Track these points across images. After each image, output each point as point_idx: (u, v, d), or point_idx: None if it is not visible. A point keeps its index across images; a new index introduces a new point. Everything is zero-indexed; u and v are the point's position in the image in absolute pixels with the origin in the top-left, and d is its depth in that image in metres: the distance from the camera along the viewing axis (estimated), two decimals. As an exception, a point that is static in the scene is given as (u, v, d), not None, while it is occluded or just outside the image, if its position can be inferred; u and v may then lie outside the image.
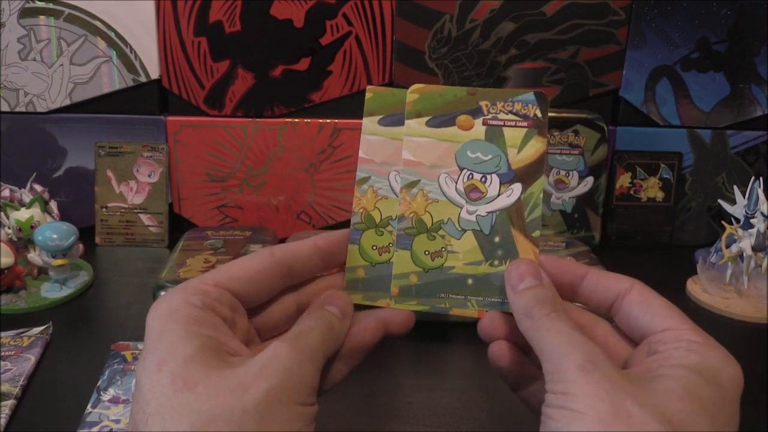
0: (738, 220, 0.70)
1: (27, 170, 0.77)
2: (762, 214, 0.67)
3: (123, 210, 0.79)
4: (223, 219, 0.82)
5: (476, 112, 0.37)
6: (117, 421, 0.47)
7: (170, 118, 0.78)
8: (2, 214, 0.68)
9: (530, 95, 0.37)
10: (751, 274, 0.69)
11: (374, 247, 0.37)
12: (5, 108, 0.77)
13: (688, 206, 0.84)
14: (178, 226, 0.81)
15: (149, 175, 0.79)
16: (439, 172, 0.36)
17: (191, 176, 0.80)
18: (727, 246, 0.70)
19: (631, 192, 0.82)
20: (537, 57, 0.77)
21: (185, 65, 0.76)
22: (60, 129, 0.78)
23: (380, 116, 0.37)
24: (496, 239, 0.36)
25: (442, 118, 0.37)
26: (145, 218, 0.79)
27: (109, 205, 0.79)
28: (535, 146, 0.36)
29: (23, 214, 0.68)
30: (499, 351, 0.35)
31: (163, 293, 0.61)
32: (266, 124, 0.78)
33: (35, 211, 0.69)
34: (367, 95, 0.37)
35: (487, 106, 0.37)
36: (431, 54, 0.76)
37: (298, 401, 0.29)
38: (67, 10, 0.74)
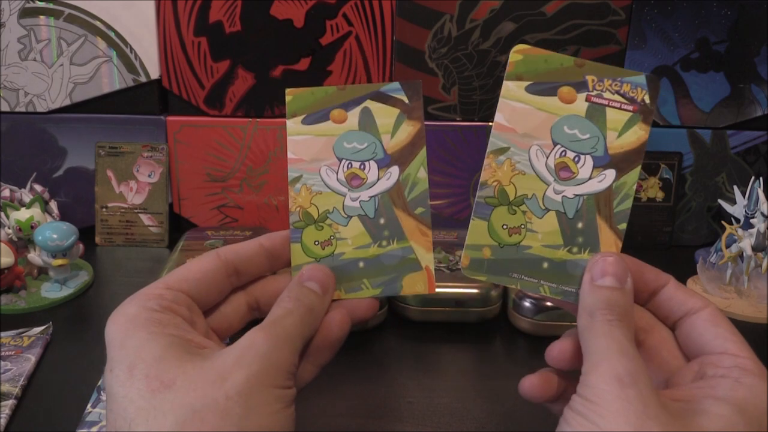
0: (738, 220, 0.70)
1: (27, 170, 0.77)
2: (762, 214, 0.67)
3: (123, 210, 0.79)
4: (223, 219, 0.82)
5: (581, 86, 0.35)
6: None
7: (170, 118, 0.78)
8: (2, 214, 0.69)
9: (641, 78, 0.34)
10: (751, 274, 0.69)
11: (317, 243, 0.37)
12: (5, 108, 0.77)
13: (688, 206, 0.84)
14: (178, 226, 0.81)
15: (149, 175, 0.79)
16: (531, 143, 0.34)
17: (191, 176, 0.80)
18: (727, 246, 0.70)
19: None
20: (537, 57, 0.77)
21: (185, 65, 0.76)
22: (60, 129, 0.78)
23: (303, 116, 0.37)
24: (579, 225, 0.34)
25: (543, 86, 0.35)
26: (145, 218, 0.79)
27: (109, 205, 0.79)
28: (638, 133, 0.34)
29: (23, 214, 0.68)
30: (530, 384, 0.34)
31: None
32: (266, 124, 0.78)
33: (35, 211, 0.69)
34: (287, 98, 0.37)
35: (593, 81, 0.35)
36: (431, 54, 0.76)
37: (277, 385, 0.29)
38: (67, 10, 0.74)
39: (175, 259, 0.67)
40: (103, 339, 0.60)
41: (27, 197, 0.70)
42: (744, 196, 0.70)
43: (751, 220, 0.68)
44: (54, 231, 0.64)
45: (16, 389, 0.51)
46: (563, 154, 0.35)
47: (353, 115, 0.37)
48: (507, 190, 0.35)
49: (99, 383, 0.51)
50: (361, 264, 0.36)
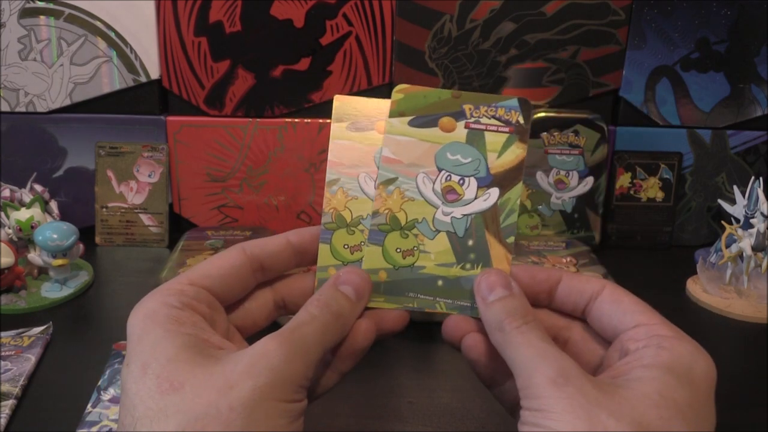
0: (738, 220, 0.70)
1: (27, 170, 0.77)
2: (762, 214, 0.67)
3: (123, 210, 0.79)
4: (223, 219, 0.82)
5: (459, 115, 0.37)
6: (117, 421, 0.47)
7: (170, 118, 0.78)
8: (2, 214, 0.69)
9: (514, 101, 0.37)
10: (751, 274, 0.69)
11: (346, 246, 0.37)
12: (5, 108, 0.77)
13: (688, 206, 0.84)
14: (178, 226, 0.81)
15: (149, 175, 0.79)
16: (418, 172, 0.36)
17: (191, 176, 0.80)
18: (727, 246, 0.70)
19: (631, 192, 0.82)
20: (537, 57, 0.77)
21: (185, 65, 0.76)
22: (60, 129, 0.78)
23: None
24: (470, 242, 0.36)
25: (424, 119, 0.37)
26: (145, 218, 0.79)
27: (109, 205, 0.79)
28: (516, 152, 0.36)
29: (23, 214, 0.68)
30: (473, 343, 0.35)
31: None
32: (266, 124, 0.78)
33: (35, 211, 0.69)
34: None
35: (470, 109, 0.37)
36: (431, 54, 0.76)
37: (285, 399, 0.29)
38: (67, 10, 0.74)
39: (175, 259, 0.67)
40: (103, 339, 0.60)
41: (27, 197, 0.70)
42: (744, 196, 0.70)
43: (751, 220, 0.68)
44: (54, 231, 0.64)
45: (16, 389, 0.51)
46: (448, 178, 0.36)
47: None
48: (398, 216, 0.36)
49: (99, 383, 0.52)
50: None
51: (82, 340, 0.60)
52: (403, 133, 0.37)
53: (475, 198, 0.36)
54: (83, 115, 0.78)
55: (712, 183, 0.83)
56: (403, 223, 0.36)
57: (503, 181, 0.36)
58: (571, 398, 0.27)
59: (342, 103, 0.37)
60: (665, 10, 0.76)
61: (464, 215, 0.36)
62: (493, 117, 0.37)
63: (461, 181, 0.36)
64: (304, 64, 0.77)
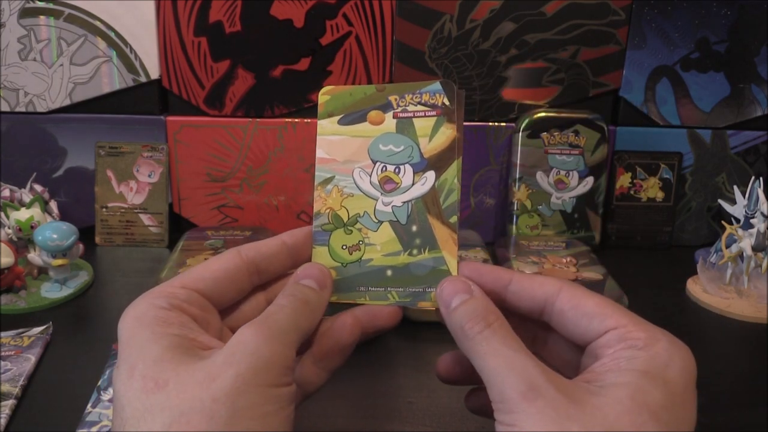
0: (738, 220, 0.70)
1: (27, 170, 0.77)
2: (762, 214, 0.67)
3: (123, 210, 0.79)
4: (223, 219, 0.82)
5: (386, 107, 0.37)
6: (117, 421, 0.47)
7: (170, 118, 0.78)
8: (2, 214, 0.69)
9: (436, 85, 0.37)
10: (751, 274, 0.69)
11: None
12: (5, 108, 0.77)
13: (688, 206, 0.84)
14: (178, 226, 0.81)
15: (149, 175, 0.79)
16: (353, 167, 0.37)
17: (191, 176, 0.80)
18: (727, 246, 0.70)
19: (631, 192, 0.82)
20: (537, 57, 0.77)
21: (185, 65, 0.76)
22: (60, 129, 0.78)
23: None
24: (414, 228, 0.36)
25: (353, 116, 0.38)
26: (145, 218, 0.79)
27: (109, 205, 0.79)
28: (446, 133, 0.37)
29: (23, 214, 0.68)
30: (444, 366, 0.35)
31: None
32: (266, 124, 0.78)
33: (35, 211, 0.69)
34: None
35: (396, 99, 0.37)
36: (431, 54, 0.77)
37: (270, 383, 0.29)
38: (67, 10, 0.74)
39: (175, 259, 0.67)
40: (103, 338, 0.60)
41: (27, 197, 0.70)
42: (744, 196, 0.70)
43: (751, 220, 0.68)
44: (54, 231, 0.64)
45: (16, 389, 0.51)
46: (384, 169, 0.37)
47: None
48: (340, 214, 0.37)
49: (99, 383, 0.51)
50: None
51: (82, 340, 0.60)
52: (334, 132, 0.38)
53: (413, 184, 0.37)
54: (83, 115, 0.78)
55: (712, 183, 0.83)
56: (345, 219, 0.37)
57: (438, 163, 0.37)
58: (542, 413, 0.27)
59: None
60: (665, 10, 0.76)
61: (404, 202, 0.37)
62: (419, 103, 0.37)
63: (397, 170, 0.37)
64: (304, 64, 0.77)
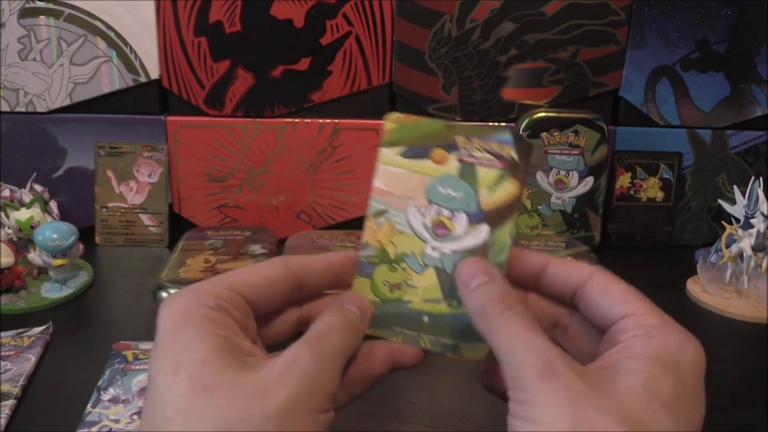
0: (738, 220, 0.70)
1: (27, 170, 0.77)
2: (762, 214, 0.67)
3: (123, 210, 0.79)
4: (223, 219, 0.82)
5: (451, 147, 0.36)
6: (116, 421, 0.47)
7: (170, 118, 0.78)
8: (2, 214, 0.69)
9: (507, 135, 0.35)
10: (751, 274, 0.69)
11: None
12: (5, 108, 0.77)
13: (688, 206, 0.84)
14: (178, 226, 0.81)
15: (149, 175, 0.79)
16: (408, 204, 0.36)
17: (191, 176, 0.80)
18: (727, 246, 0.70)
19: (631, 192, 0.82)
20: (537, 57, 0.77)
21: (185, 65, 0.76)
22: (60, 129, 0.78)
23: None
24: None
25: (416, 150, 0.36)
26: (145, 218, 0.79)
27: (109, 205, 0.79)
28: (508, 189, 0.35)
29: (23, 214, 0.68)
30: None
31: (170, 292, 0.61)
32: (266, 124, 0.78)
33: (35, 211, 0.69)
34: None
35: (462, 142, 0.36)
36: (431, 54, 0.76)
37: (317, 408, 0.29)
38: (67, 10, 0.74)
39: (175, 259, 0.67)
40: (103, 338, 0.60)
41: (27, 197, 0.70)
42: (744, 196, 0.70)
43: (751, 220, 0.68)
44: (54, 231, 0.64)
45: (16, 389, 0.51)
46: (439, 212, 0.36)
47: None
48: (388, 250, 0.36)
49: (99, 383, 0.52)
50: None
51: (82, 340, 0.60)
52: (395, 164, 0.36)
53: (465, 234, 0.35)
54: (83, 115, 0.78)
55: (712, 183, 0.83)
56: (392, 256, 0.36)
57: (494, 218, 0.35)
58: (558, 392, 0.27)
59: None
60: (665, 10, 0.76)
61: (453, 251, 0.35)
62: (486, 150, 0.36)
63: (451, 216, 0.36)
64: (304, 64, 0.77)
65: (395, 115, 0.36)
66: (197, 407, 0.27)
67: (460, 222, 0.35)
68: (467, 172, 0.36)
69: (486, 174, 0.35)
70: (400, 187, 0.36)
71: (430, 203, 0.36)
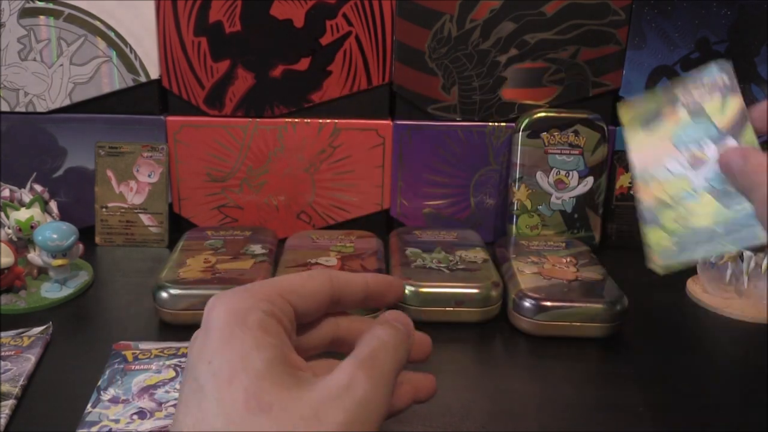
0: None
1: (27, 170, 0.77)
2: (762, 214, 0.67)
3: (123, 210, 0.79)
4: (223, 219, 0.82)
5: (675, 102, 0.45)
6: (116, 421, 0.47)
7: (170, 118, 0.78)
8: (2, 214, 0.69)
9: (712, 68, 0.44)
10: (751, 274, 0.69)
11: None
12: (5, 108, 0.77)
13: (688, 206, 0.84)
14: (178, 226, 0.81)
15: (149, 175, 0.79)
16: (663, 158, 0.44)
17: (191, 176, 0.80)
18: (727, 246, 0.69)
19: (631, 192, 0.82)
20: (537, 57, 0.77)
21: (185, 65, 0.76)
22: (60, 129, 0.78)
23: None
24: (729, 188, 0.43)
25: (651, 119, 0.46)
26: (145, 218, 0.79)
27: (109, 205, 0.79)
28: (733, 104, 0.43)
29: (23, 214, 0.68)
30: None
31: (170, 293, 0.60)
32: (266, 124, 0.78)
33: (35, 211, 0.69)
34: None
35: (681, 92, 0.45)
36: (431, 54, 0.76)
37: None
38: (67, 10, 0.74)
39: (175, 259, 0.67)
40: (103, 338, 0.60)
41: (27, 197, 0.70)
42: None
43: (751, 220, 0.68)
44: (54, 231, 0.64)
45: (16, 389, 0.51)
46: (690, 150, 0.44)
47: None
48: (662, 197, 0.44)
49: (99, 383, 0.52)
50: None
51: (82, 340, 0.60)
52: (640, 137, 0.46)
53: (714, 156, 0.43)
54: (83, 115, 0.78)
55: (712, 183, 0.83)
56: (669, 201, 0.44)
57: (734, 130, 0.43)
58: None
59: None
60: (665, 10, 0.76)
61: (716, 173, 0.43)
62: (702, 88, 0.44)
63: (700, 148, 0.44)
64: (304, 64, 0.77)
65: (624, 103, 0.47)
66: (249, 424, 0.26)
67: (710, 148, 0.43)
68: (696, 111, 0.44)
69: (711, 104, 0.44)
70: (651, 149, 0.45)
71: (680, 148, 0.44)
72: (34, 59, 0.76)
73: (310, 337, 0.34)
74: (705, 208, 0.43)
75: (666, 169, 0.44)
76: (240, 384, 0.27)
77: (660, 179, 0.44)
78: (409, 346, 0.33)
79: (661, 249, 0.44)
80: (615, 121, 0.81)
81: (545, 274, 0.66)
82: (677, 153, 0.44)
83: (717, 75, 0.44)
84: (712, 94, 0.44)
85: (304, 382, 0.28)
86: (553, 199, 0.79)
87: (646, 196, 0.45)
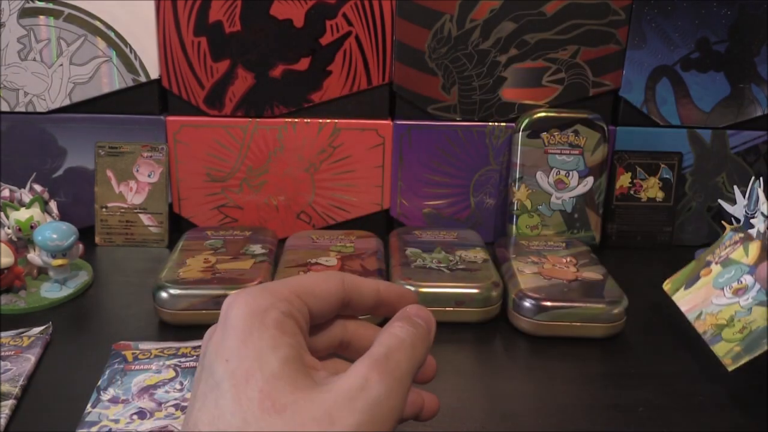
0: (738, 220, 0.70)
1: (27, 170, 0.77)
2: (762, 214, 0.67)
3: (123, 210, 0.79)
4: (223, 219, 0.82)
5: (708, 264, 0.59)
6: (116, 421, 0.47)
7: (170, 118, 0.78)
8: (2, 214, 0.69)
9: (730, 234, 0.58)
10: (751, 274, 0.69)
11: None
12: (5, 108, 0.77)
13: (688, 206, 0.84)
14: (178, 226, 0.81)
15: (149, 175, 0.79)
16: (712, 298, 0.57)
17: (191, 176, 0.80)
18: (727, 246, 0.69)
19: (631, 192, 0.82)
20: (537, 57, 0.77)
21: (185, 65, 0.76)
22: (60, 129, 0.78)
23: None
24: None
25: (693, 281, 0.59)
26: (145, 218, 0.79)
27: (109, 205, 0.79)
28: (753, 247, 0.56)
29: (23, 214, 0.68)
30: None
31: (169, 292, 0.60)
32: (266, 124, 0.78)
33: (35, 211, 0.69)
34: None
35: (711, 256, 0.59)
36: (431, 54, 0.76)
37: None
38: (67, 10, 0.74)
39: (175, 259, 0.67)
40: (103, 338, 0.60)
41: (27, 197, 0.70)
42: (744, 196, 0.70)
43: (751, 220, 0.68)
44: (54, 231, 0.64)
45: (16, 389, 0.51)
46: None
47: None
48: (720, 323, 0.56)
49: (98, 383, 0.51)
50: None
51: (82, 340, 0.60)
52: (687, 294, 0.59)
53: None
54: (83, 115, 0.78)
55: (712, 183, 0.83)
56: (726, 323, 0.54)
57: (761, 259, 0.54)
58: None
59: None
60: (665, 10, 0.76)
61: (758, 291, 0.53)
62: (725, 248, 0.59)
63: (739, 282, 0.55)
64: (303, 64, 0.77)
65: (667, 281, 0.62)
66: (264, 425, 0.26)
67: (746, 278, 0.54)
68: (726, 262, 0.57)
69: (736, 254, 0.56)
70: (698, 297, 0.58)
71: (722, 288, 0.56)
72: (34, 59, 0.76)
73: (320, 338, 0.34)
74: (757, 316, 0.52)
75: (715, 304, 0.55)
76: (255, 384, 0.27)
77: (713, 312, 0.55)
78: (429, 344, 0.33)
79: (732, 355, 0.52)
80: (615, 121, 0.81)
81: (545, 274, 0.66)
82: (720, 292, 0.55)
83: (734, 235, 0.56)
84: (735, 247, 0.55)
85: (318, 383, 0.28)
86: (553, 199, 0.79)
87: (705, 327, 0.55)
